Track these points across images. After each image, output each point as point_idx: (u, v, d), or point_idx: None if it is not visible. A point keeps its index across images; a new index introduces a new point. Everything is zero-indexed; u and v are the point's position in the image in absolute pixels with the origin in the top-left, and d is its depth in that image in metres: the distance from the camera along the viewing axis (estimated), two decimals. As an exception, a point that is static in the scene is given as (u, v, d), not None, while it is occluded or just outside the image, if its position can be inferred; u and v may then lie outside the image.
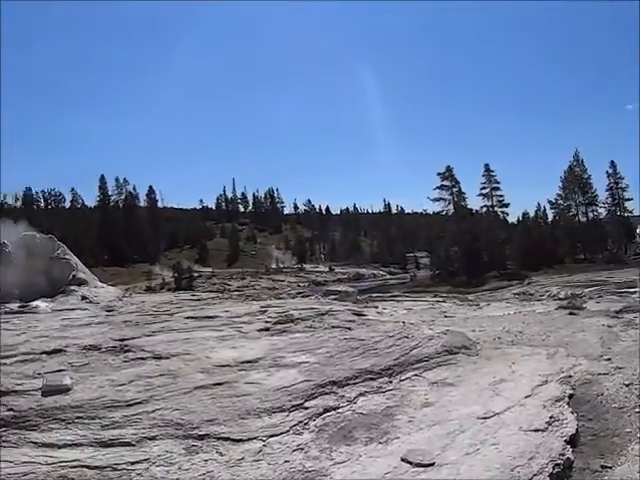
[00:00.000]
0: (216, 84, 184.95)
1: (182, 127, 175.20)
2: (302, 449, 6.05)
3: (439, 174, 58.78)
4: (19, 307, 14.66)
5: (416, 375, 8.84)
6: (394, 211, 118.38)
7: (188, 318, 11.52)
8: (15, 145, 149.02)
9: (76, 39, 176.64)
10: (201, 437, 6.06)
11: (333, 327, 11.04)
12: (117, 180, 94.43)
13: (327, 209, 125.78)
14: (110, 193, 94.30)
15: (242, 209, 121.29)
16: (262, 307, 13.36)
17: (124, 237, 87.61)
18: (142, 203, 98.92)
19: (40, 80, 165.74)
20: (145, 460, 5.60)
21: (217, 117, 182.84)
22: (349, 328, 10.98)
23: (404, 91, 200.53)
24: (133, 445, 5.90)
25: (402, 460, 5.80)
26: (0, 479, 5.35)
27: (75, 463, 5.58)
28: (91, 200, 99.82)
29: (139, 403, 6.77)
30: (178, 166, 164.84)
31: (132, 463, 5.54)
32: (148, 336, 9.77)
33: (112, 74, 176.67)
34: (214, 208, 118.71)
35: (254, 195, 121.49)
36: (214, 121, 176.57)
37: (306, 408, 7.00)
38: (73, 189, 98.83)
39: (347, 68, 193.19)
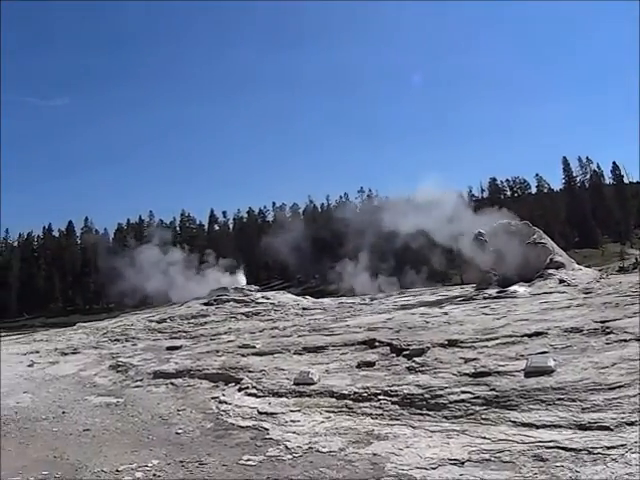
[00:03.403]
0: None
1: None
2: None
3: None
4: (497, 292, 15.22)
5: None
6: None
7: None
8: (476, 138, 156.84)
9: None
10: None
11: None
12: (580, 160, 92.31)
13: None
14: (575, 174, 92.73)
15: None
16: None
17: (593, 217, 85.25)
18: (607, 181, 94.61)
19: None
20: (621, 446, 5.41)
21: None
22: None
23: None
24: (611, 429, 5.77)
25: None
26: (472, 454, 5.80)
27: (551, 444, 5.70)
28: (556, 183, 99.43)
29: (621, 387, 6.58)
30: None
31: (608, 448, 5.41)
32: (629, 317, 9.37)
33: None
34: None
35: None
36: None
37: None
38: (537, 174, 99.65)
39: None
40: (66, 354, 13.92)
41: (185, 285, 27.83)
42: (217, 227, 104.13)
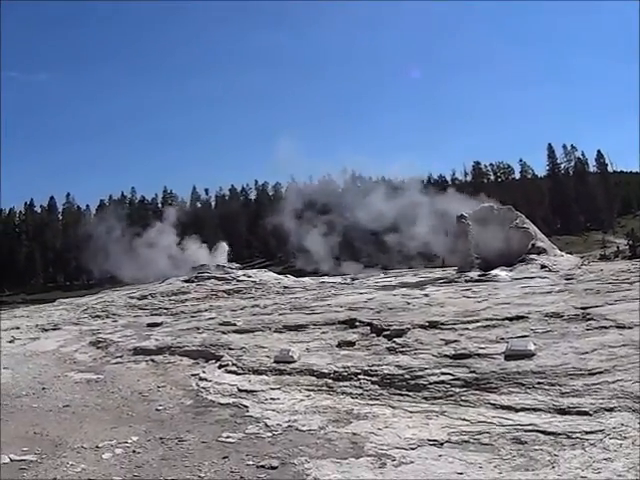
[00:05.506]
0: None
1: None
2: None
3: None
4: (479, 276, 15.24)
5: None
6: None
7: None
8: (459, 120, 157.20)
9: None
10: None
11: None
12: (565, 147, 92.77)
13: None
14: (559, 161, 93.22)
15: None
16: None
17: (576, 204, 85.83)
18: (592, 169, 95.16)
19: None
20: (600, 431, 5.44)
21: None
22: None
23: None
24: (590, 415, 5.80)
25: None
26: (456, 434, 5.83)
27: (530, 427, 5.74)
28: (540, 169, 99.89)
29: (600, 372, 6.60)
30: (624, 127, 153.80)
31: (587, 433, 5.45)
32: (610, 305, 9.42)
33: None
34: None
35: None
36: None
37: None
38: (521, 160, 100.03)
39: None
40: (46, 330, 13.79)
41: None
42: (199, 204, 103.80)
